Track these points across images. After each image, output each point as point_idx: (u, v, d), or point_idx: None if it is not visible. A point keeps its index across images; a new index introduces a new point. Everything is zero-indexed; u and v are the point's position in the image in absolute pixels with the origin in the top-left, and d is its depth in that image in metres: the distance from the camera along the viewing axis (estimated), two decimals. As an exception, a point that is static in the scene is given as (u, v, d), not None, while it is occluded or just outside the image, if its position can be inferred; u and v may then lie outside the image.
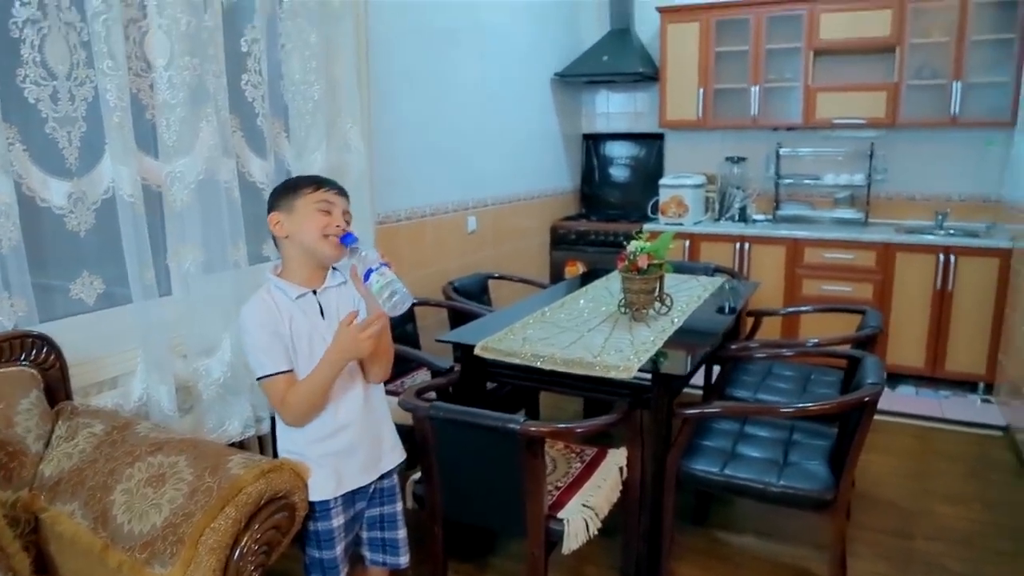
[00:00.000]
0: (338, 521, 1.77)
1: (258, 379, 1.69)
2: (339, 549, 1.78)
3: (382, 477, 1.86)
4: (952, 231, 4.30)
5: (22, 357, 1.76)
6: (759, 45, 4.56)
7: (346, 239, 1.68)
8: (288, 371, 1.68)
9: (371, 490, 1.85)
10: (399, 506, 1.91)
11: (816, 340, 2.93)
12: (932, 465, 3.33)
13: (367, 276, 1.63)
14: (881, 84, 4.34)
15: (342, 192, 1.74)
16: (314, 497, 1.70)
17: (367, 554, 1.92)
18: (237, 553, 1.48)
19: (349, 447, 1.75)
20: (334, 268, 1.78)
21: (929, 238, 4.16)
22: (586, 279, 3.55)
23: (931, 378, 4.23)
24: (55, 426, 1.75)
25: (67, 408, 1.79)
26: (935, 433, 3.68)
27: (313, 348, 1.70)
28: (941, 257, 4.06)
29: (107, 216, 2.01)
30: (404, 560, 1.93)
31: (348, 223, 1.72)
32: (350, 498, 1.79)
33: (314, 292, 1.73)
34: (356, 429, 1.76)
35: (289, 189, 1.71)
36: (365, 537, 1.91)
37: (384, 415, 1.87)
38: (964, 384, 4.21)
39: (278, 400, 1.68)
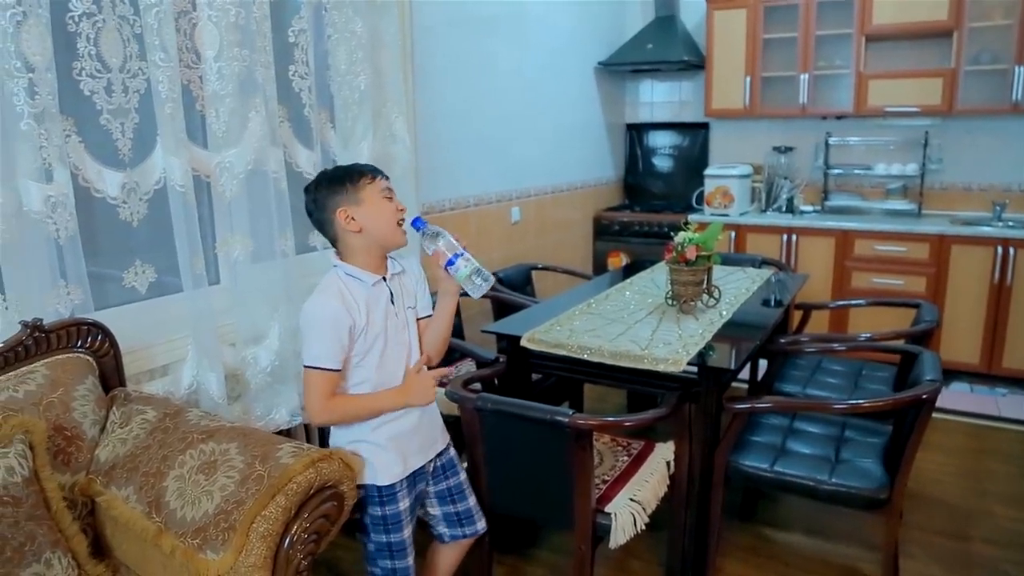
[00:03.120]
0: (404, 504, 1.79)
1: (305, 366, 1.69)
2: (407, 532, 1.81)
3: (440, 454, 1.91)
4: (1011, 223, 4.14)
5: (78, 344, 1.80)
6: (808, 31, 4.44)
7: (417, 223, 1.72)
8: (336, 371, 1.69)
9: (430, 469, 1.89)
10: (462, 475, 1.97)
11: (869, 334, 2.86)
12: (988, 465, 3.23)
13: (451, 261, 1.69)
14: (937, 70, 4.19)
15: (387, 176, 1.76)
16: (384, 481, 1.74)
17: (445, 531, 1.96)
18: (287, 541, 1.50)
19: (411, 428, 1.79)
20: (390, 256, 1.81)
21: (986, 230, 4.02)
22: (629, 271, 3.51)
23: (987, 375, 4.10)
24: (109, 412, 1.78)
25: (121, 394, 1.83)
26: (991, 432, 3.56)
27: (388, 336, 1.74)
28: (999, 250, 3.92)
29: (159, 206, 2.04)
30: (481, 525, 2.00)
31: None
32: (412, 480, 1.82)
33: (384, 279, 1.76)
34: (417, 409, 1.79)
35: (343, 182, 1.67)
36: (439, 514, 1.94)
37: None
38: (1022, 382, 4.07)
39: (315, 394, 1.68)
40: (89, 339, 1.81)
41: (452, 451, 1.96)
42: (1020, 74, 3.96)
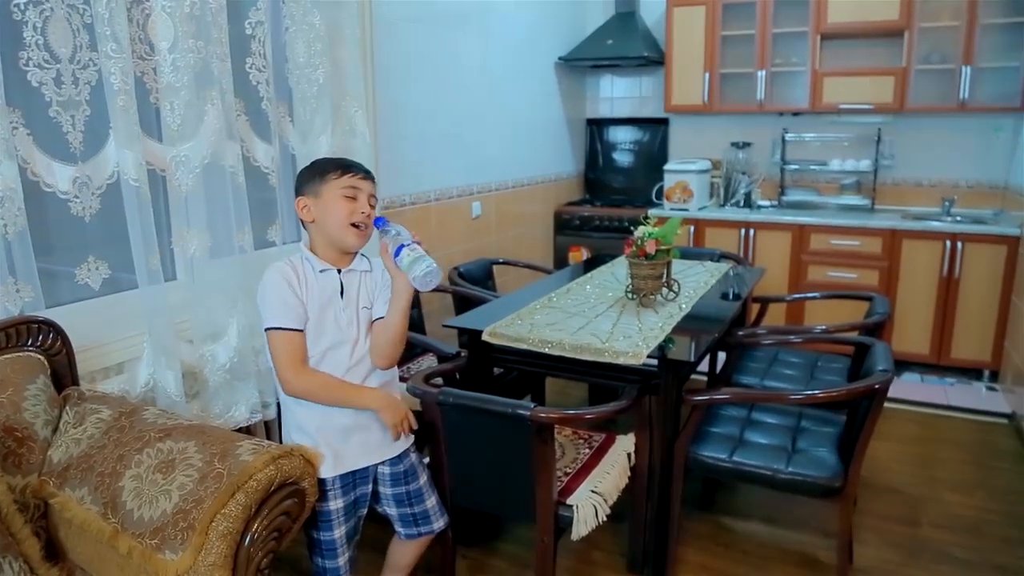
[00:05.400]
0: (336, 504, 1.78)
1: (267, 329, 1.71)
2: (337, 532, 1.79)
3: (400, 460, 1.89)
4: (959, 218, 4.27)
5: (28, 343, 1.75)
6: (766, 29, 4.51)
7: (377, 222, 1.74)
8: (299, 331, 1.70)
9: (387, 473, 1.87)
10: (422, 479, 1.96)
11: (824, 327, 2.92)
12: (937, 453, 3.33)
13: (397, 252, 1.68)
14: (889, 69, 4.30)
15: (368, 176, 1.77)
16: None
17: (401, 529, 1.96)
18: (248, 539, 1.48)
19: (347, 427, 1.78)
20: (362, 254, 1.82)
21: (936, 225, 4.14)
22: (590, 265, 3.53)
23: (936, 365, 4.22)
24: (63, 412, 1.74)
25: (74, 394, 1.78)
26: (940, 421, 3.67)
27: (324, 321, 1.74)
28: (948, 244, 4.04)
29: (112, 201, 1.99)
30: (439, 525, 1.99)
31: (373, 207, 1.76)
32: (350, 481, 1.81)
33: (338, 271, 1.77)
34: (356, 410, 1.77)
35: (316, 173, 1.74)
36: (396, 514, 1.94)
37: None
38: (969, 372, 4.21)
39: (282, 357, 1.70)
40: (40, 337, 1.77)
41: (414, 456, 1.94)
42: (967, 74, 4.08)
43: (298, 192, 1.77)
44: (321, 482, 1.73)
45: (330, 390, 1.73)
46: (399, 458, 1.89)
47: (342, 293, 1.77)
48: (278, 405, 2.42)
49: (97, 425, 1.69)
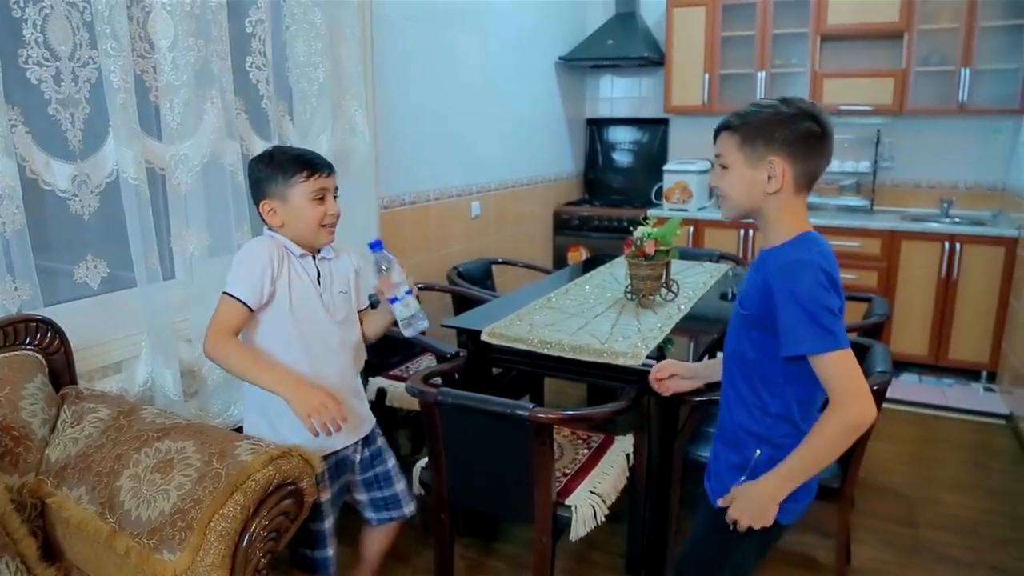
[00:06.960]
0: (325, 495, 1.77)
1: (224, 292, 1.67)
2: (327, 523, 1.80)
3: (367, 444, 1.91)
4: (957, 219, 4.28)
5: (27, 341, 1.75)
6: (766, 30, 4.51)
7: (373, 246, 1.77)
8: (247, 309, 1.65)
9: (358, 459, 1.89)
10: (391, 463, 1.97)
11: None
12: (935, 453, 3.33)
13: (393, 300, 1.76)
14: (889, 70, 4.30)
15: (331, 170, 1.75)
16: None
17: (372, 515, 1.97)
18: (246, 539, 1.47)
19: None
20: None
21: (934, 226, 4.14)
22: (589, 265, 3.53)
23: (934, 366, 4.23)
24: (60, 411, 1.73)
25: (72, 392, 1.78)
26: (938, 421, 3.68)
27: (300, 306, 1.72)
28: (946, 245, 4.05)
29: (111, 199, 1.98)
30: (408, 510, 2.00)
31: (336, 198, 1.76)
32: (336, 469, 1.81)
33: (314, 257, 1.78)
34: (333, 384, 1.73)
35: (278, 174, 1.68)
36: (365, 499, 1.95)
37: (358, 379, 1.92)
38: (967, 373, 4.21)
39: (217, 321, 1.64)
40: (38, 336, 1.76)
41: (381, 439, 1.97)
42: (966, 75, 4.08)
43: (261, 194, 1.71)
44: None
45: (242, 361, 1.64)
46: (370, 439, 1.92)
47: (319, 280, 1.77)
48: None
49: (95, 424, 1.68)
